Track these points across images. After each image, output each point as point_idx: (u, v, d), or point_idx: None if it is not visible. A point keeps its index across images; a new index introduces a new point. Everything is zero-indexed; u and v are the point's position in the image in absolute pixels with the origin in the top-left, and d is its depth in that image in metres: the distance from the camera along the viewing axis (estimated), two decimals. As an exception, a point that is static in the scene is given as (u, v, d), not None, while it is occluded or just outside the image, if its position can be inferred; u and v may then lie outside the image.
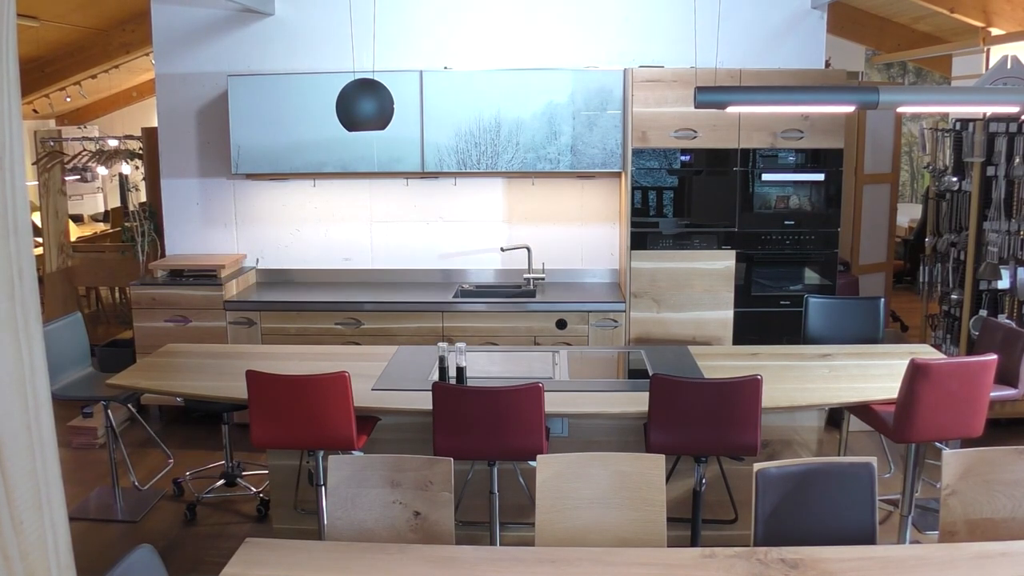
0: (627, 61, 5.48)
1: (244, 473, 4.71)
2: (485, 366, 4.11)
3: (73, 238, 7.66)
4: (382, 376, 3.88)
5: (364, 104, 3.84)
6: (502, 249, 5.76)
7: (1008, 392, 3.91)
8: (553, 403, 3.48)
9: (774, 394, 3.55)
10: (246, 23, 5.62)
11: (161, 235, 6.11)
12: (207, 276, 5.44)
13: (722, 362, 4.05)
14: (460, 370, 3.73)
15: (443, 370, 3.74)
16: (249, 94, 5.32)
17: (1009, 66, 5.14)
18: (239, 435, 4.81)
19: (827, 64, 5.98)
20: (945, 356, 4.22)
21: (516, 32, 5.56)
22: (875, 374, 3.86)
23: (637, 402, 3.49)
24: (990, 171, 5.21)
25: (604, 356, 4.45)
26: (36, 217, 7.03)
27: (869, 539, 2.51)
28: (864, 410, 3.81)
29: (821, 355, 4.15)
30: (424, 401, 3.42)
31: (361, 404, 3.48)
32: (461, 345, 3.76)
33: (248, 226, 5.86)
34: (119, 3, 7.13)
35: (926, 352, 4.23)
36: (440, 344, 3.77)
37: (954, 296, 5.62)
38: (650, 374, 3.88)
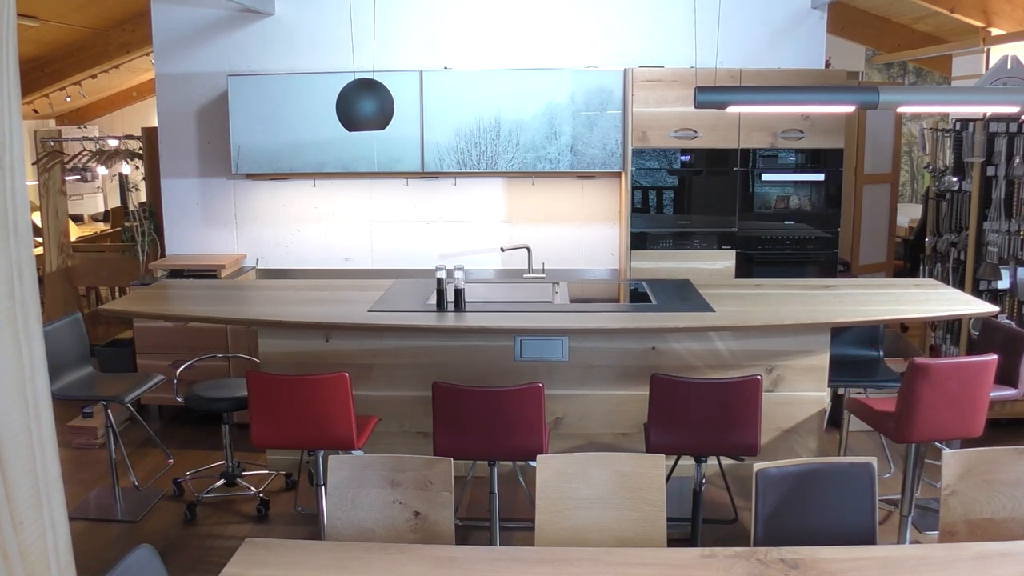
0: (627, 61, 5.48)
1: (244, 473, 4.71)
2: (484, 294, 4.09)
3: (73, 238, 7.66)
4: (379, 300, 3.86)
5: (364, 104, 3.84)
6: (502, 249, 5.75)
7: (1008, 392, 3.91)
8: (553, 322, 3.45)
9: (781, 315, 3.53)
10: (246, 23, 5.62)
11: (161, 235, 6.11)
12: (207, 276, 5.44)
13: (725, 291, 4.05)
14: (459, 293, 3.71)
15: (441, 292, 3.72)
16: (249, 94, 5.31)
17: (1009, 66, 5.14)
18: (239, 435, 4.81)
19: (827, 64, 5.98)
20: (946, 286, 4.23)
21: (516, 32, 5.55)
22: (880, 300, 3.87)
23: (637, 320, 3.45)
24: (990, 171, 5.20)
25: (605, 284, 4.42)
26: (36, 217, 7.02)
27: (869, 539, 2.51)
28: (864, 410, 3.81)
29: (826, 286, 4.16)
30: (422, 320, 3.38)
31: (356, 322, 3.45)
32: (459, 273, 3.75)
33: (248, 226, 5.86)
34: (119, 3, 7.13)
35: (931, 285, 4.23)
36: (438, 265, 3.76)
37: (954, 296, 5.62)
38: (652, 301, 3.86)
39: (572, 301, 3.89)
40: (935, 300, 3.86)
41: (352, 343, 3.41)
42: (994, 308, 3.56)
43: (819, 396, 3.94)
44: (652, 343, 3.43)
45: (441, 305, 3.74)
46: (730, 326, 3.51)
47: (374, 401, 3.81)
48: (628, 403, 3.88)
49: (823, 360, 3.91)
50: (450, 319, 3.56)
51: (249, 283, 4.35)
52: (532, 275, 5.65)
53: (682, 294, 3.97)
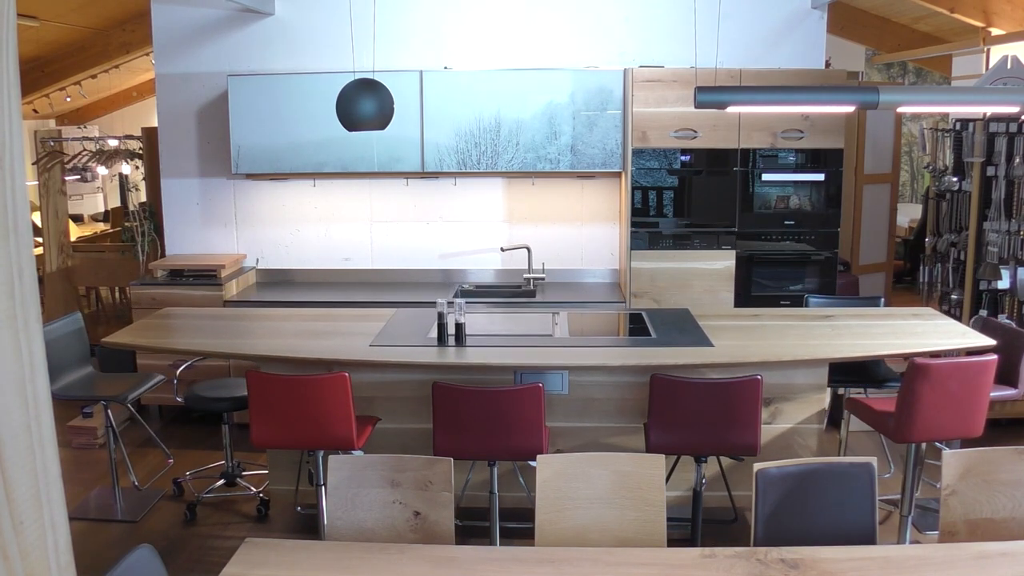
0: (627, 61, 5.48)
1: (244, 473, 4.71)
2: (485, 325, 4.10)
3: (73, 238, 7.66)
4: (380, 334, 3.87)
5: (364, 104, 3.84)
6: (502, 249, 5.75)
7: (1008, 392, 3.91)
8: (553, 357, 3.47)
9: (777, 350, 3.55)
10: (246, 23, 5.62)
11: (161, 235, 6.11)
12: (207, 276, 5.44)
13: (723, 322, 4.05)
14: (459, 326, 3.72)
15: (442, 327, 3.73)
16: (249, 94, 5.31)
17: (1009, 66, 5.14)
18: (239, 435, 4.81)
19: (827, 64, 5.98)
20: (944, 316, 4.22)
21: (516, 32, 5.56)
22: (878, 332, 3.86)
23: (637, 356, 3.48)
24: (990, 171, 5.20)
25: (604, 316, 4.44)
26: (36, 217, 7.02)
27: (869, 539, 2.51)
28: (864, 410, 3.81)
29: (823, 316, 4.17)
30: (424, 356, 3.41)
31: (358, 359, 3.47)
32: (460, 302, 3.76)
33: (248, 226, 5.86)
34: (119, 3, 7.13)
35: (929, 314, 4.23)
36: (439, 300, 3.77)
37: (954, 296, 5.62)
38: (652, 335, 3.87)
39: (572, 334, 3.90)
40: (932, 332, 3.88)
41: (354, 376, 3.44)
42: (991, 342, 3.55)
43: (817, 428, 3.98)
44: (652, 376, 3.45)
45: (442, 339, 3.75)
46: (729, 363, 3.54)
47: (375, 433, 3.84)
48: (628, 435, 3.89)
49: (821, 393, 3.94)
50: (451, 355, 3.58)
51: (251, 313, 4.37)
52: (532, 275, 5.65)
53: (681, 325, 3.97)
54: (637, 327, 4.08)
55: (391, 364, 3.61)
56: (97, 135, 7.21)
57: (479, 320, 4.17)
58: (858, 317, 4.15)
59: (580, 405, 3.91)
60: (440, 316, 3.74)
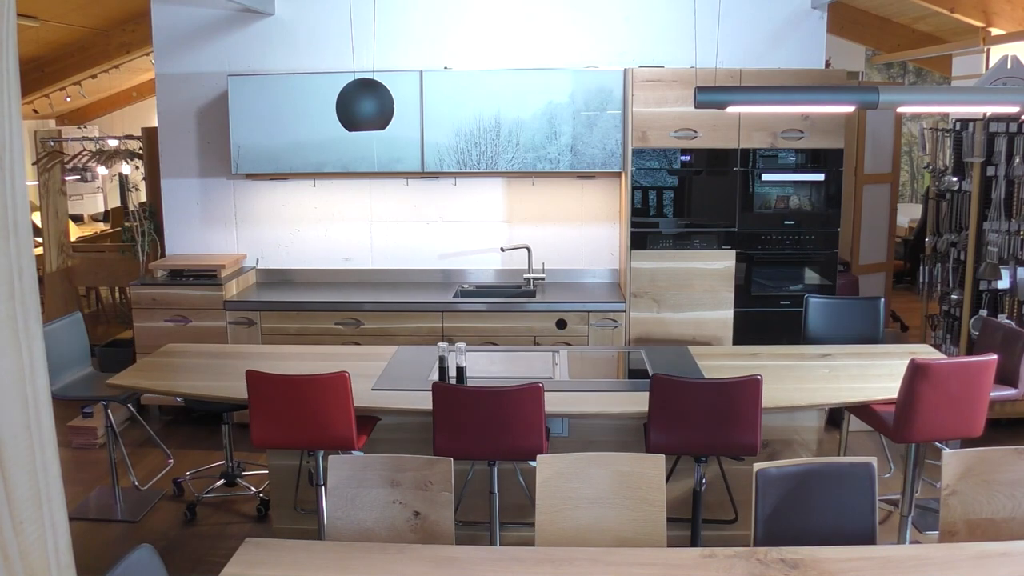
0: (627, 61, 5.48)
1: (244, 473, 4.71)
2: (485, 366, 4.11)
3: (73, 238, 7.66)
4: (382, 376, 3.88)
5: (364, 104, 3.84)
6: (502, 249, 5.75)
7: (1008, 392, 3.91)
8: (553, 403, 3.48)
9: (774, 394, 3.55)
10: (246, 23, 5.62)
11: (161, 235, 6.11)
12: (207, 276, 5.44)
13: (722, 362, 4.05)
14: (460, 370, 3.73)
15: (443, 370, 3.74)
16: (249, 94, 5.32)
17: (1009, 66, 5.14)
18: (239, 435, 4.81)
19: (827, 64, 5.98)
20: (945, 356, 4.23)
21: (516, 32, 5.56)
22: (875, 374, 3.86)
23: (637, 402, 3.50)
24: (990, 171, 5.20)
25: (604, 356, 4.45)
26: (36, 217, 7.03)
27: (869, 539, 2.51)
28: (864, 410, 3.81)
29: (821, 355, 4.15)
30: (424, 401, 3.42)
31: (361, 404, 3.48)
32: (461, 345, 3.76)
33: (248, 226, 5.86)
34: (119, 3, 7.13)
35: (926, 352, 4.23)
36: (440, 344, 3.77)
37: (954, 296, 5.62)
38: (650, 374, 3.88)
39: (572, 375, 3.91)
40: None
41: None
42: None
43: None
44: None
45: (443, 382, 3.76)
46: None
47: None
48: None
49: (817, 434, 3.95)
50: None
51: (255, 351, 4.36)
52: (532, 275, 5.65)
53: (680, 366, 3.97)
54: (636, 368, 4.07)
55: (394, 411, 3.62)
56: (97, 135, 7.21)
57: (479, 361, 4.17)
58: (855, 356, 4.13)
59: (580, 447, 3.91)
60: (441, 359, 3.74)
